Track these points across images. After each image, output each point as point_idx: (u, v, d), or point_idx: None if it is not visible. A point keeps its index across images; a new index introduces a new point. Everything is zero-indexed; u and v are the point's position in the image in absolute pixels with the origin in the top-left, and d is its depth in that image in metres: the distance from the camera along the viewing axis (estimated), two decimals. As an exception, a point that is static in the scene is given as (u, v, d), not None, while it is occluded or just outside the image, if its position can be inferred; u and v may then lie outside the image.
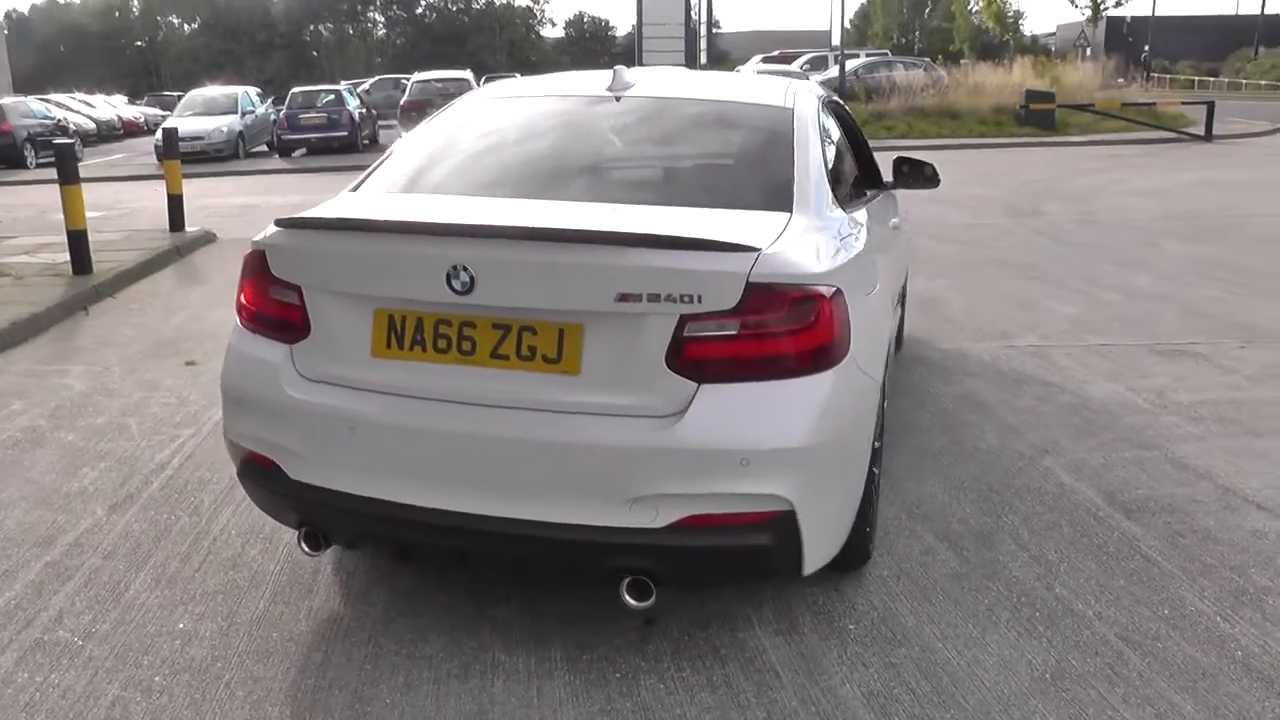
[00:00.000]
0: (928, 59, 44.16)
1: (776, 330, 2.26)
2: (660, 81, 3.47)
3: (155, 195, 11.60)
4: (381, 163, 3.15)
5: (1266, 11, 53.18)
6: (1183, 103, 23.20)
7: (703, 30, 48.24)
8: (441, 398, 2.39)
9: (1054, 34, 69.12)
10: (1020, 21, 62.89)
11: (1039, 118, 20.65)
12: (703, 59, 44.08)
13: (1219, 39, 58.16)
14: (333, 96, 19.89)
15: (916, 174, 4.17)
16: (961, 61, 31.78)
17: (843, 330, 2.38)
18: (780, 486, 2.27)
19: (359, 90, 23.96)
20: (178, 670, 2.60)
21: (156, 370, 5.33)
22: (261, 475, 2.65)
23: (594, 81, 3.45)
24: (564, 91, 3.55)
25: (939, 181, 4.24)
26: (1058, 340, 5.76)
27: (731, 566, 2.44)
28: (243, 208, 12.45)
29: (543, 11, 76.82)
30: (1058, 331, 5.96)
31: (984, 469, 3.90)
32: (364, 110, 20.70)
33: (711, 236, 2.31)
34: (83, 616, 2.88)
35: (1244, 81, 36.15)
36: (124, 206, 12.48)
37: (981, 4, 56.16)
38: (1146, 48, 52.15)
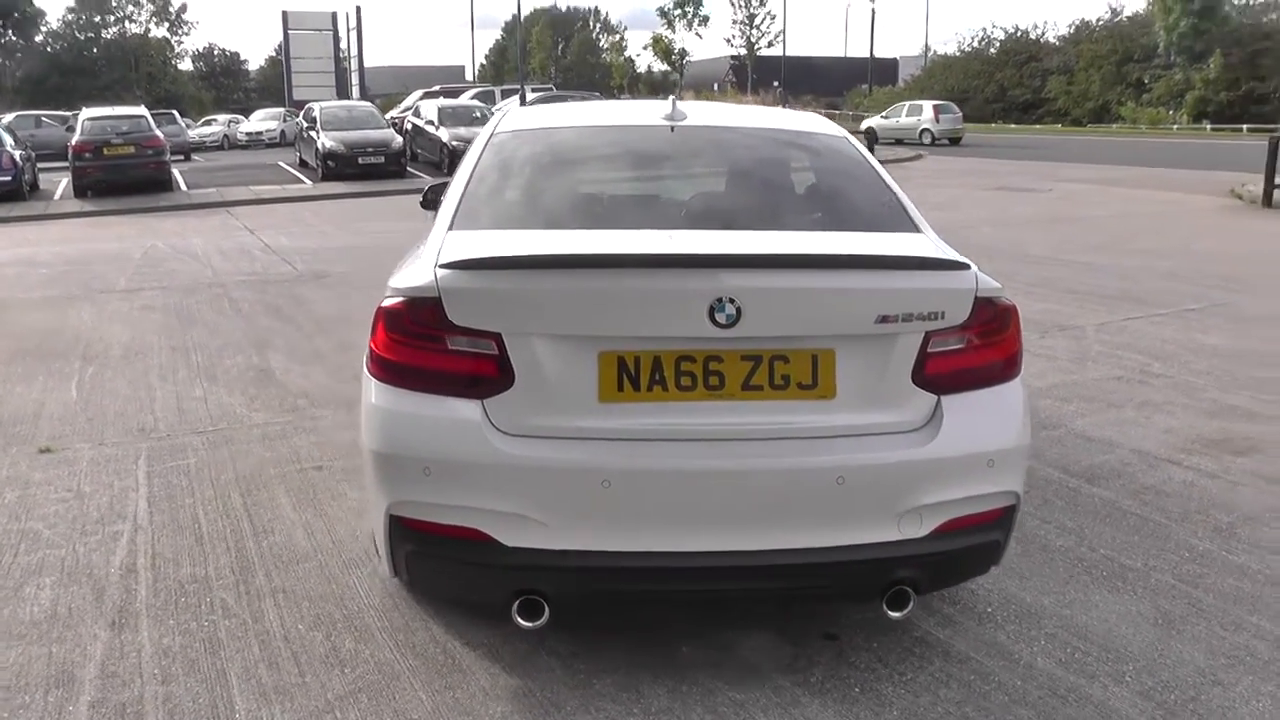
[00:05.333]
0: (598, 93, 46.46)
1: (991, 340, 2.48)
2: (705, 112, 3.52)
3: None
4: (462, 198, 2.89)
5: (875, 55, 62.36)
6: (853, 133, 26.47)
7: (354, 65, 47.14)
8: (693, 437, 2.33)
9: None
10: (686, 60, 68.40)
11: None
12: (355, 94, 43.08)
13: (832, 78, 67.12)
14: (-16, 136, 17.15)
15: None
16: (622, 95, 33.55)
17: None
18: (1013, 481, 2.49)
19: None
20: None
21: (6, 464, 4.42)
22: (462, 551, 2.37)
23: (644, 111, 3.44)
24: (626, 121, 3.49)
25: None
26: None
27: (972, 564, 2.61)
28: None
29: (180, 43, 71.16)
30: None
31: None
32: (24, 152, 18.02)
33: (943, 256, 2.47)
34: (205, 751, 2.41)
35: (864, 114, 41.90)
36: None
37: (650, 42, 60.35)
38: (776, 84, 58.76)
